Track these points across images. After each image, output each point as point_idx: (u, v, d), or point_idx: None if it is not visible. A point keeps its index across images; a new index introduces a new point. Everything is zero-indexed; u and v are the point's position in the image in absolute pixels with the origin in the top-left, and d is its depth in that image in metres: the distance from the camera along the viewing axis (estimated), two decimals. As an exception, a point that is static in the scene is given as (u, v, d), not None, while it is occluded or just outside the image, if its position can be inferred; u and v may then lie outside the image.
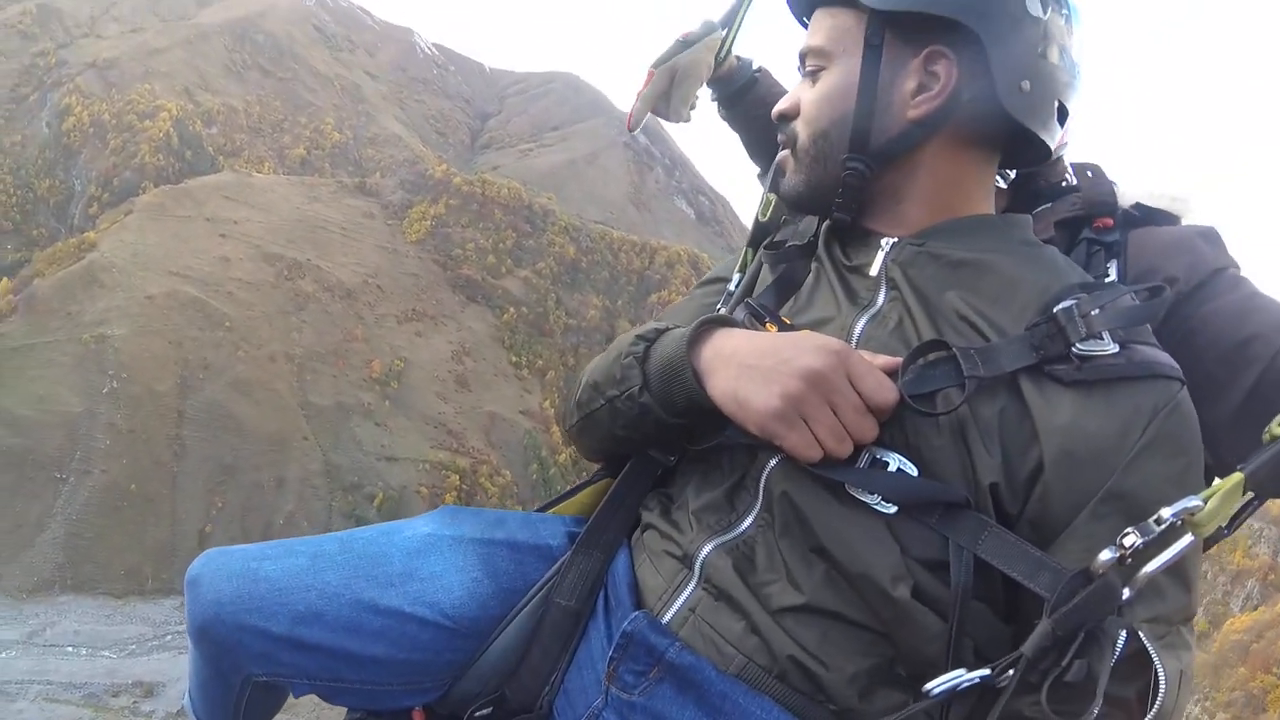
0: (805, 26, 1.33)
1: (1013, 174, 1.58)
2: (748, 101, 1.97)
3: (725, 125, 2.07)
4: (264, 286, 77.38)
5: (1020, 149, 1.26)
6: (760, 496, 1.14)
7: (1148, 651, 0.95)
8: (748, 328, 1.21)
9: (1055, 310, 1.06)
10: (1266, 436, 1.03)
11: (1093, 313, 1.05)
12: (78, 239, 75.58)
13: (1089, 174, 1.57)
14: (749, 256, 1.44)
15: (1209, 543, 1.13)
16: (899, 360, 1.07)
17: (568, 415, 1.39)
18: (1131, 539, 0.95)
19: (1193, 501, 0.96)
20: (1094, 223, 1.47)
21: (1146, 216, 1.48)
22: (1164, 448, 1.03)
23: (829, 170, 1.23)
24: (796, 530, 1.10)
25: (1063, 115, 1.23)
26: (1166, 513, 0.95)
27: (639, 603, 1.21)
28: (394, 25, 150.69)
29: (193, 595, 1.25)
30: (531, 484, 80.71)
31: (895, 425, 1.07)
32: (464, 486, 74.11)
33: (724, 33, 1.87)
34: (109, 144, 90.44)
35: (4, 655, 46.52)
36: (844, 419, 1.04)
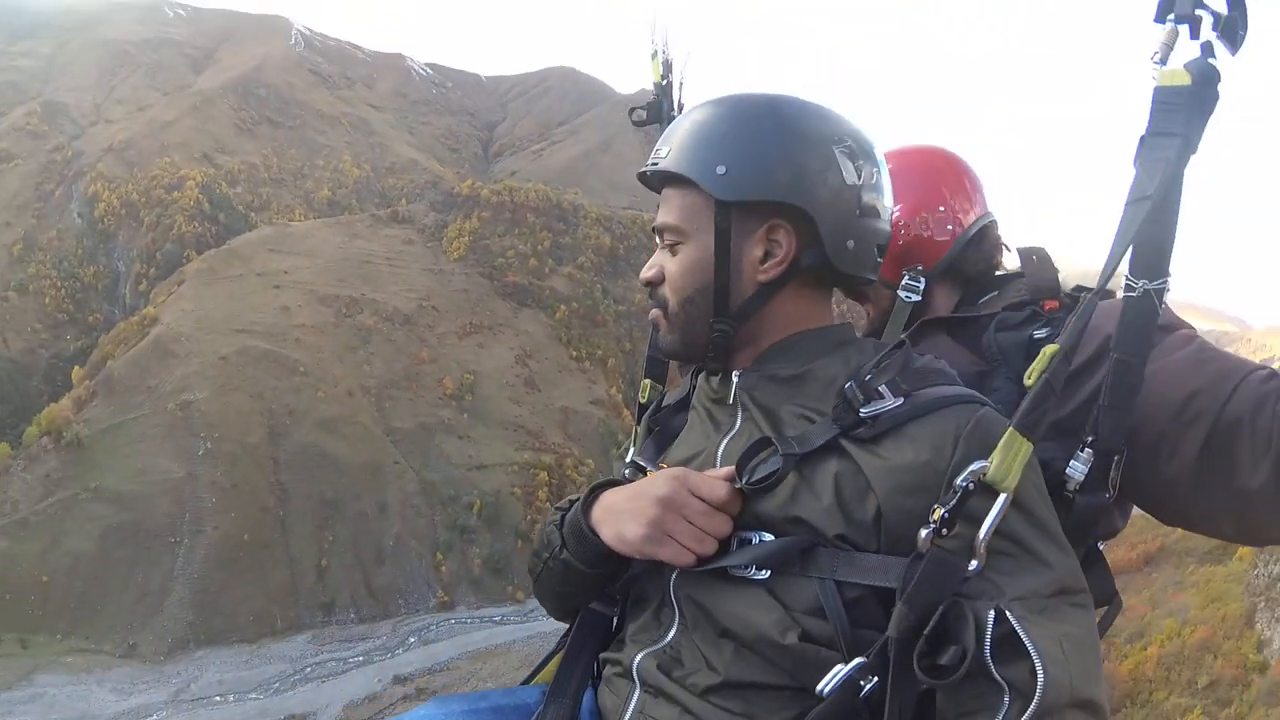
0: (656, 193, 1.47)
1: (922, 281, 1.76)
2: None
3: None
4: (327, 327, 77.09)
5: (849, 284, 1.43)
6: (676, 607, 1.32)
7: (1014, 629, 1.04)
8: (631, 481, 1.39)
9: (844, 388, 1.24)
10: (1027, 381, 1.14)
11: (866, 378, 1.23)
12: (139, 316, 75.71)
13: (1034, 259, 1.67)
14: (637, 433, 1.66)
15: (1091, 515, 1.28)
16: (732, 468, 1.25)
17: (533, 584, 1.54)
18: (937, 511, 1.08)
19: (979, 463, 1.09)
20: (1042, 305, 1.57)
21: (1083, 297, 1.51)
22: (976, 457, 1.12)
23: (698, 330, 1.37)
24: (704, 622, 1.27)
25: (882, 251, 1.40)
26: (957, 480, 1.09)
27: None
28: (384, 53, 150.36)
29: None
30: (614, 468, 79.42)
31: (749, 511, 1.25)
32: (553, 481, 73.64)
33: None
34: (143, 221, 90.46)
35: (157, 716, 46.87)
36: (698, 523, 1.23)
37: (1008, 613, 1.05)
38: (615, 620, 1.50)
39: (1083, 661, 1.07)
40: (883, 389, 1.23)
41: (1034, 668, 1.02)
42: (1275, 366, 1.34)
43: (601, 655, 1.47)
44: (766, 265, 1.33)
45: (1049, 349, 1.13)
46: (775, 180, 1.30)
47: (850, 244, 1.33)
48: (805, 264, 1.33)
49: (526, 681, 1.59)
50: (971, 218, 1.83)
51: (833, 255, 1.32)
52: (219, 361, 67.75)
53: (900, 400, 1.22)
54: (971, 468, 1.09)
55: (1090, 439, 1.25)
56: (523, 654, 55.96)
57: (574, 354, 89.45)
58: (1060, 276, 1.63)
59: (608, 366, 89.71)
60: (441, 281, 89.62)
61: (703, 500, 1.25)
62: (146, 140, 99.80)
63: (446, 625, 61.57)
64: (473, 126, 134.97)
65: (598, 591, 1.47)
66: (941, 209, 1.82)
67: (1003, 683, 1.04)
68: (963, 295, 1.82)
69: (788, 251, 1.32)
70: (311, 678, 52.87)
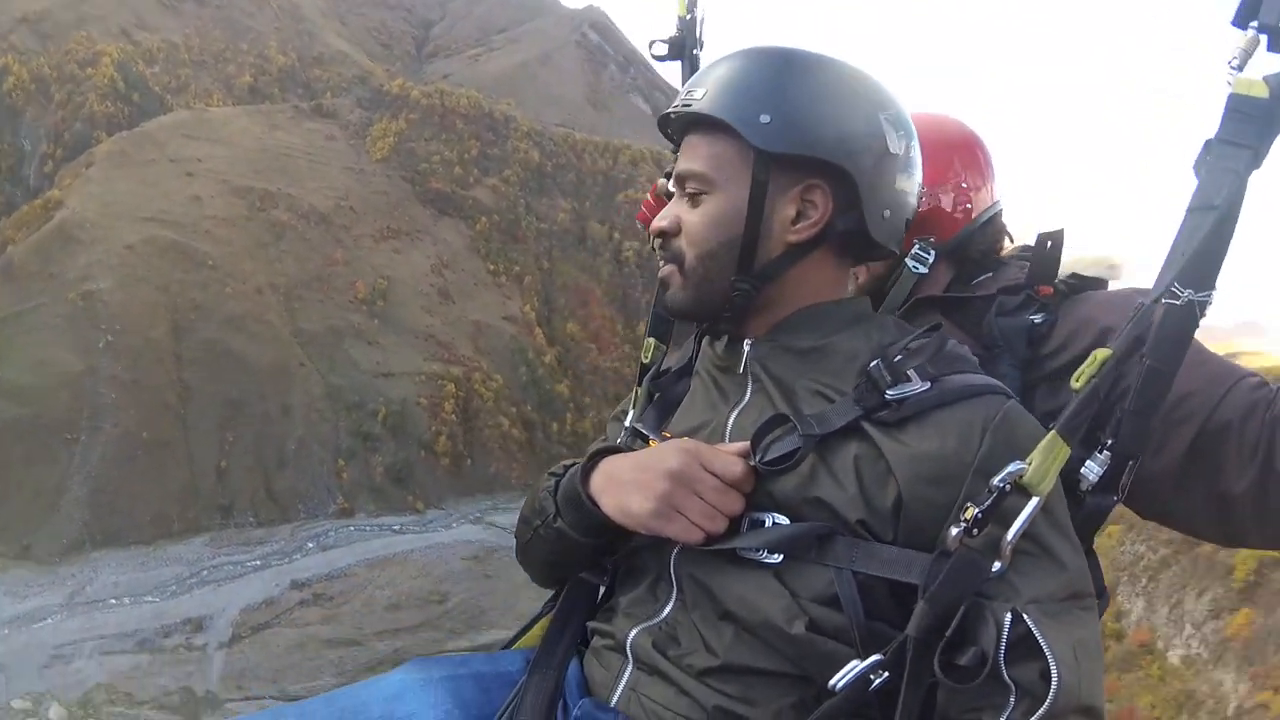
0: (672, 142, 1.45)
1: (932, 253, 1.71)
2: None
3: None
4: (239, 221, 75.16)
5: (873, 255, 1.43)
6: (675, 584, 1.28)
7: (1031, 630, 1.02)
8: (632, 449, 1.37)
9: (868, 369, 1.20)
10: (1074, 385, 1.11)
11: (895, 359, 1.19)
12: (42, 199, 72.38)
13: (1049, 244, 1.63)
14: (638, 393, 1.59)
15: (1099, 516, 1.24)
16: (747, 443, 1.21)
17: (517, 549, 1.54)
18: (971, 510, 1.04)
19: (1018, 465, 1.05)
20: (1037, 290, 1.57)
21: (1080, 285, 1.57)
22: (1004, 452, 1.09)
23: (716, 288, 1.32)
24: (705, 602, 1.23)
25: (908, 226, 1.38)
26: (995, 480, 1.05)
27: (587, 694, 1.34)
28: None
29: None
30: (522, 386, 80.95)
31: (762, 491, 1.21)
32: (460, 394, 74.22)
33: None
34: (54, 98, 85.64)
35: (52, 620, 46.51)
36: (709, 500, 1.19)
37: (1025, 616, 1.02)
38: (603, 588, 1.49)
39: (1091, 668, 1.05)
40: (911, 373, 1.19)
41: (1047, 671, 1.01)
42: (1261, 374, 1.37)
43: (589, 624, 1.45)
44: (799, 226, 1.30)
45: (1100, 354, 1.10)
46: (821, 137, 1.26)
47: (886, 213, 1.31)
48: (839, 229, 1.30)
49: (507, 646, 1.59)
50: (985, 198, 1.83)
51: (870, 222, 1.30)
52: (125, 251, 65.68)
53: (927, 385, 1.18)
54: (1010, 469, 1.04)
55: (1109, 441, 1.19)
56: (420, 564, 57.12)
57: (491, 268, 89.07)
58: (1063, 261, 1.64)
59: (524, 284, 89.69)
60: (361, 182, 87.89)
61: (715, 476, 1.20)
62: (64, 12, 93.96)
63: (345, 532, 62.02)
64: (408, 23, 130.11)
65: (591, 562, 1.46)
66: (963, 184, 1.81)
67: (1010, 683, 1.02)
68: (956, 274, 1.81)
69: (823, 214, 1.29)
70: (208, 581, 52.93)
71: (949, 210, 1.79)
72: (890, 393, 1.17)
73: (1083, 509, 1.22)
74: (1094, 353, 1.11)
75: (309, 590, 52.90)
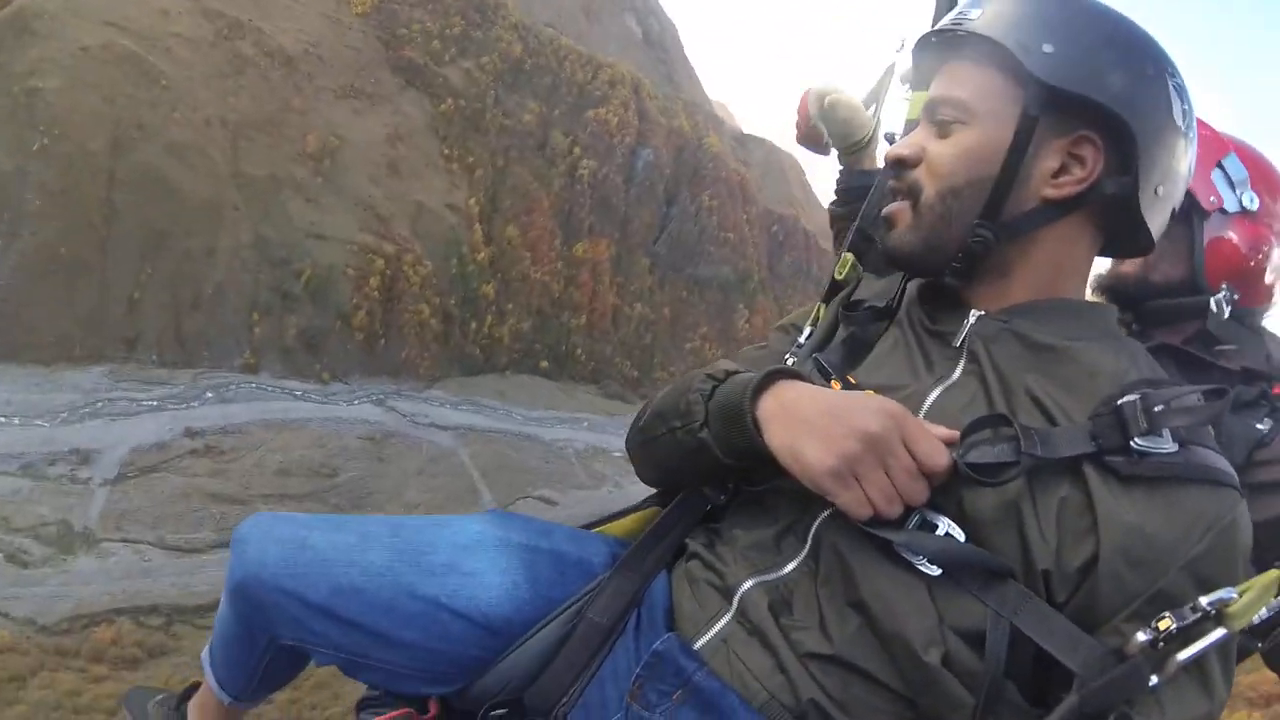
0: (912, 89, 1.35)
1: (1228, 310, 1.60)
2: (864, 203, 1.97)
3: (831, 225, 2.12)
4: (203, 45, 70.72)
5: (1125, 240, 1.25)
6: (808, 544, 1.15)
7: None
8: (814, 383, 1.20)
9: (1119, 403, 1.04)
10: None
11: (1156, 409, 1.02)
12: (2, -24, 66.89)
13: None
14: (821, 311, 1.45)
15: (1240, 654, 1.17)
16: (956, 433, 1.07)
17: (631, 434, 1.41)
18: (1167, 623, 0.95)
19: (1230, 594, 0.95)
20: (1273, 385, 1.53)
21: None
22: (1216, 556, 1.00)
23: (953, 232, 1.19)
24: (839, 581, 1.10)
25: (1173, 216, 1.25)
26: (1204, 600, 0.95)
27: (673, 627, 1.22)
28: None
29: (238, 554, 1.25)
30: (450, 278, 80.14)
31: (949, 493, 1.07)
32: (388, 272, 72.88)
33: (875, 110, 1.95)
34: None
35: None
36: (896, 480, 1.04)
37: None
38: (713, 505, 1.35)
39: None
40: (1166, 430, 1.03)
41: None
42: None
43: (689, 541, 1.32)
44: (1061, 180, 1.16)
45: None
46: (1107, 82, 1.11)
47: (1160, 189, 1.17)
48: (1107, 192, 1.16)
49: (590, 526, 1.47)
50: None
51: (1142, 194, 1.15)
52: (79, 52, 60.92)
53: (1176, 449, 1.03)
54: (1221, 595, 0.95)
55: None
56: (316, 434, 56.54)
57: (446, 152, 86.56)
58: None
59: (475, 176, 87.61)
60: (336, 32, 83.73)
61: (913, 457, 1.05)
62: None
63: (247, 388, 60.71)
64: None
65: (721, 481, 1.33)
66: None
67: None
68: (1199, 333, 1.68)
69: (1091, 170, 1.16)
70: (102, 413, 51.32)
71: (1269, 278, 1.68)
72: (1139, 442, 1.02)
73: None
74: None
75: (201, 440, 52.09)
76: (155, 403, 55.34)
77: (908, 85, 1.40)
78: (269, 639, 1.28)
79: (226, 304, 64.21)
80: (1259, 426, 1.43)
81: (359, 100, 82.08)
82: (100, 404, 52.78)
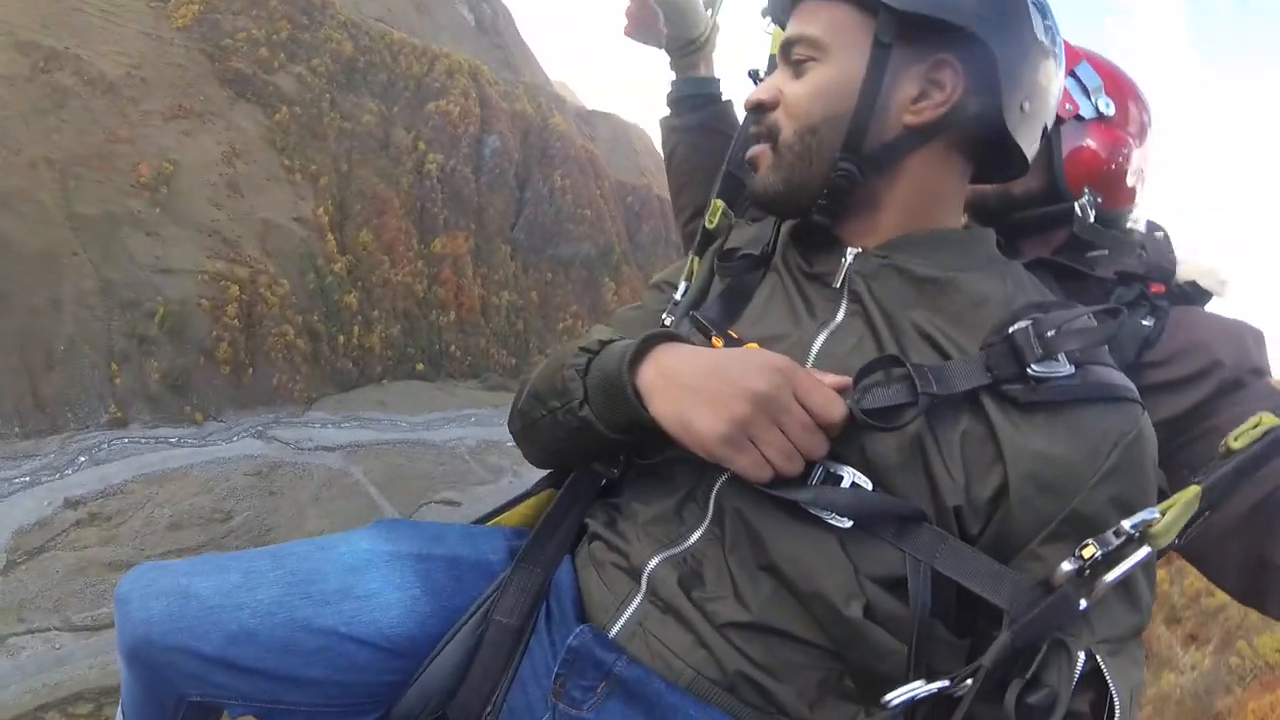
0: (777, 23, 1.31)
1: (1093, 214, 1.58)
2: (717, 112, 1.95)
3: (662, 131, 2.05)
4: (19, 81, 65.48)
5: (997, 164, 1.21)
6: (710, 510, 1.10)
7: (1102, 671, 0.94)
8: (693, 343, 1.15)
9: (1011, 330, 1.02)
10: (1223, 449, 1.02)
11: (1049, 333, 1.01)
12: None
13: (1158, 235, 1.64)
14: (695, 265, 1.38)
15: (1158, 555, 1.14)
16: (848, 379, 1.03)
17: (511, 419, 1.35)
18: (1091, 550, 0.94)
19: (1152, 514, 0.95)
20: (1149, 285, 1.54)
21: (1194, 295, 1.57)
22: (1128, 472, 1.00)
23: (814, 170, 1.14)
24: (746, 547, 1.06)
25: (1042, 137, 1.20)
26: (1126, 524, 0.94)
27: (584, 616, 1.16)
28: None
29: (122, 615, 1.17)
30: (309, 294, 78.00)
31: (849, 441, 1.03)
32: (244, 297, 70.10)
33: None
34: None
35: None
36: (792, 437, 1.00)
37: (1099, 657, 0.94)
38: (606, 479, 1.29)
39: (1135, 713, 0.98)
40: (1061, 355, 1.01)
41: (1100, 706, 0.94)
42: None
43: (588, 522, 1.27)
44: (920, 105, 1.12)
45: (1267, 420, 1.01)
46: (959, 2, 1.07)
47: (1026, 105, 1.12)
48: (970, 112, 1.11)
49: (484, 520, 1.39)
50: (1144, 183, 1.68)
51: (1007, 111, 1.11)
52: None
53: (1072, 371, 1.01)
54: (1143, 517, 0.94)
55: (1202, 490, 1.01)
56: (201, 479, 54.15)
57: (286, 163, 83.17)
58: (1179, 264, 1.54)
59: (319, 184, 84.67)
60: (158, 50, 78.84)
61: (808, 411, 1.00)
62: None
63: (119, 445, 57.54)
64: None
65: (609, 456, 1.26)
66: (1148, 155, 1.66)
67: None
68: (1069, 240, 1.63)
69: (950, 93, 1.11)
70: None
71: (1130, 181, 1.65)
72: (1035, 368, 0.99)
73: None
74: (1260, 417, 1.02)
75: (84, 509, 49.22)
76: (27, 478, 51.88)
77: (769, 18, 1.38)
78: (176, 699, 1.19)
79: (81, 358, 60.45)
80: (1144, 323, 1.46)
81: (189, 120, 77.83)
82: (-35, 478, 48.84)
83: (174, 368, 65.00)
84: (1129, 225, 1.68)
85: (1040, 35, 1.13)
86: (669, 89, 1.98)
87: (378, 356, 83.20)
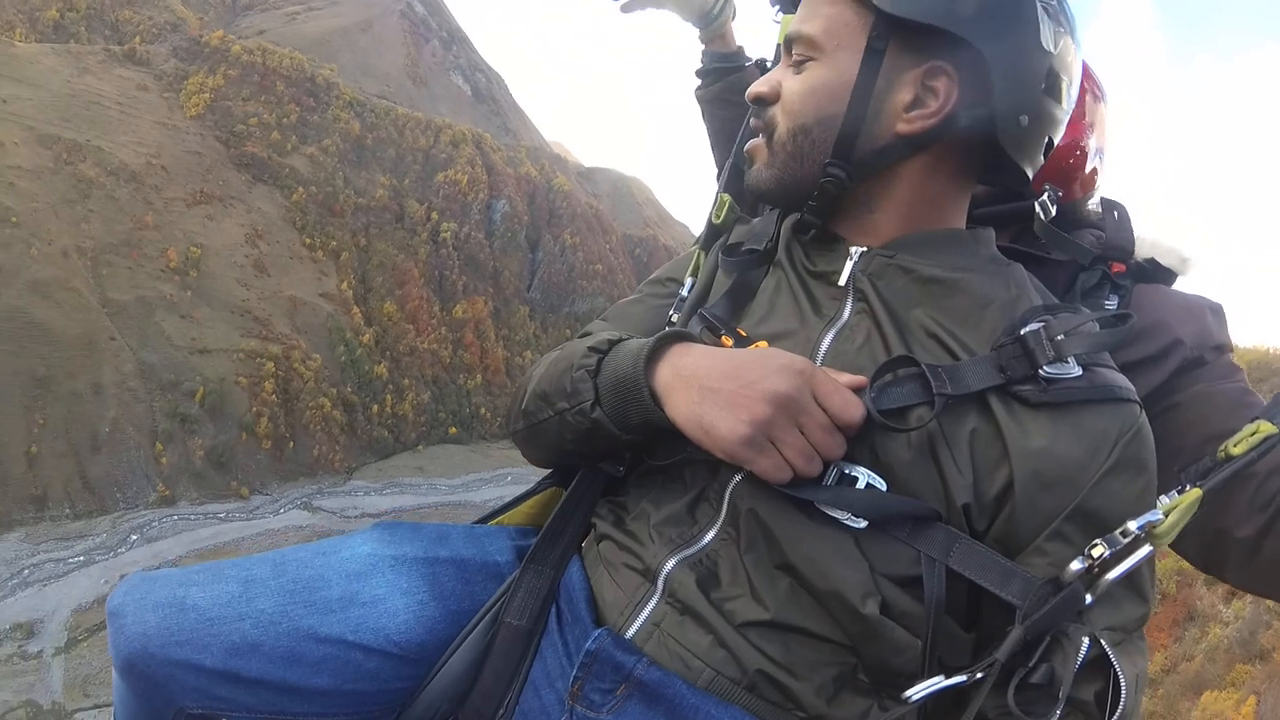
0: (782, 10, 1.28)
1: (1055, 209, 1.48)
2: (731, 83, 1.95)
3: (699, 109, 2.06)
4: (44, 173, 65.92)
5: (999, 174, 1.18)
6: (724, 510, 1.08)
7: (1108, 657, 0.95)
8: (704, 341, 1.14)
9: (1023, 332, 1.02)
10: (1222, 454, 1.05)
11: (1059, 337, 1.01)
12: None
13: (1115, 214, 1.59)
14: (700, 259, 1.35)
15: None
16: (864, 379, 1.02)
17: (512, 420, 1.30)
18: (1099, 550, 0.95)
19: (1155, 515, 0.96)
20: (1109, 264, 1.49)
21: (1154, 273, 1.52)
22: (1127, 469, 1.01)
23: (805, 170, 1.13)
24: (762, 546, 1.05)
25: (1047, 149, 1.16)
26: (1133, 525, 0.95)
27: (598, 618, 1.13)
28: None
29: (116, 628, 1.12)
30: (341, 366, 77.47)
31: (863, 441, 1.02)
32: (279, 373, 69.85)
33: None
34: None
35: None
36: (811, 438, 0.99)
37: (1103, 641, 0.96)
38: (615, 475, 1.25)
39: (1139, 700, 1.00)
40: (1071, 357, 1.01)
41: (1104, 694, 0.96)
42: None
43: (596, 521, 1.23)
44: (913, 114, 1.07)
45: (1264, 428, 1.04)
46: (956, 8, 1.03)
47: (1024, 119, 1.07)
48: (962, 125, 1.06)
49: (486, 520, 1.36)
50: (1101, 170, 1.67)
51: (1000, 123, 1.06)
52: None
53: (1080, 373, 1.02)
54: (1148, 518, 0.95)
55: (1185, 479, 1.06)
56: (252, 552, 53.66)
57: (307, 241, 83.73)
58: (1138, 241, 1.54)
59: (340, 260, 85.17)
60: (174, 139, 79.74)
61: (826, 413, 0.99)
62: None
63: (169, 521, 56.74)
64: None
65: (617, 456, 1.22)
66: (1102, 147, 1.63)
67: (1058, 697, 0.94)
68: (1024, 227, 1.58)
69: (944, 103, 1.06)
70: (31, 581, 47.08)
71: (1089, 167, 1.61)
72: (1046, 370, 1.00)
73: None
74: (1258, 425, 1.05)
75: (141, 586, 48.55)
76: (81, 558, 50.97)
77: (778, 7, 1.35)
78: (175, 711, 1.12)
79: (126, 440, 59.47)
80: (1108, 304, 1.42)
81: (210, 205, 78.05)
82: (26, 571, 47.95)
83: (217, 444, 64.07)
84: (1089, 207, 1.64)
85: (1049, 46, 1.07)
86: (700, 59, 2.00)
87: (411, 423, 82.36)
